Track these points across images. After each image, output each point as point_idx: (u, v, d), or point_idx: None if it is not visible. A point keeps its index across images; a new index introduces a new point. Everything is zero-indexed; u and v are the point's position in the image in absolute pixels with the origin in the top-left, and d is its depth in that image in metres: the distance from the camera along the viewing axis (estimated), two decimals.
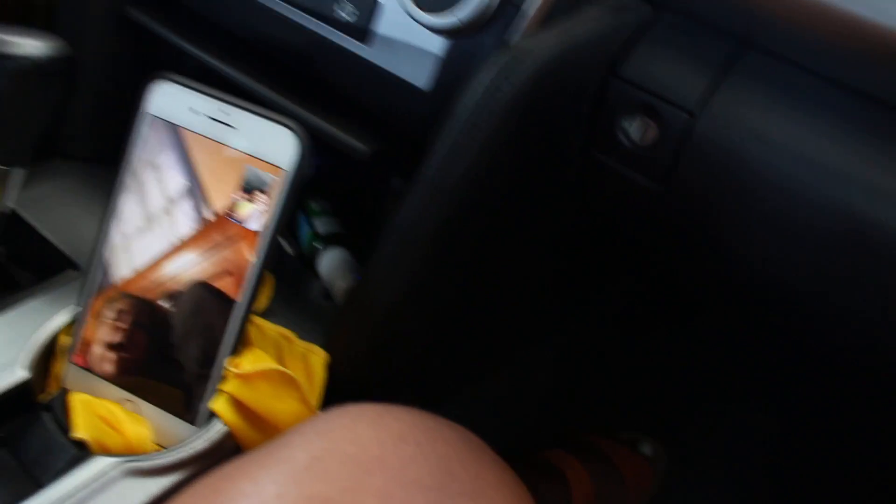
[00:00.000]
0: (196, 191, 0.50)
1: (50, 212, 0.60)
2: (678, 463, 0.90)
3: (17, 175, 0.54)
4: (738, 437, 0.94)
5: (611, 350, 0.95)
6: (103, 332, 0.51)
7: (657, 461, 0.88)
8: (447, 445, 0.36)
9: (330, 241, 0.63)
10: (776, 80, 0.47)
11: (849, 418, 0.93)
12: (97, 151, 0.66)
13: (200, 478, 0.35)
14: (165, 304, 0.50)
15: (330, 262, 0.60)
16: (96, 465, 0.45)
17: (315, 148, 0.56)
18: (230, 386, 0.48)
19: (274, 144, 0.48)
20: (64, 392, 0.50)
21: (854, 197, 0.43)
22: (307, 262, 0.63)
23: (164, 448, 0.48)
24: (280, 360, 0.51)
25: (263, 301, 0.55)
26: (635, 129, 0.49)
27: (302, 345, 0.52)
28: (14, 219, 0.58)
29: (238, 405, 0.48)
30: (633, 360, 0.96)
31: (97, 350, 0.51)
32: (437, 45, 0.50)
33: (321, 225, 0.63)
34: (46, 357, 0.52)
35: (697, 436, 0.93)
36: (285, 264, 0.64)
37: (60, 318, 0.52)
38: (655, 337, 0.98)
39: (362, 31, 0.52)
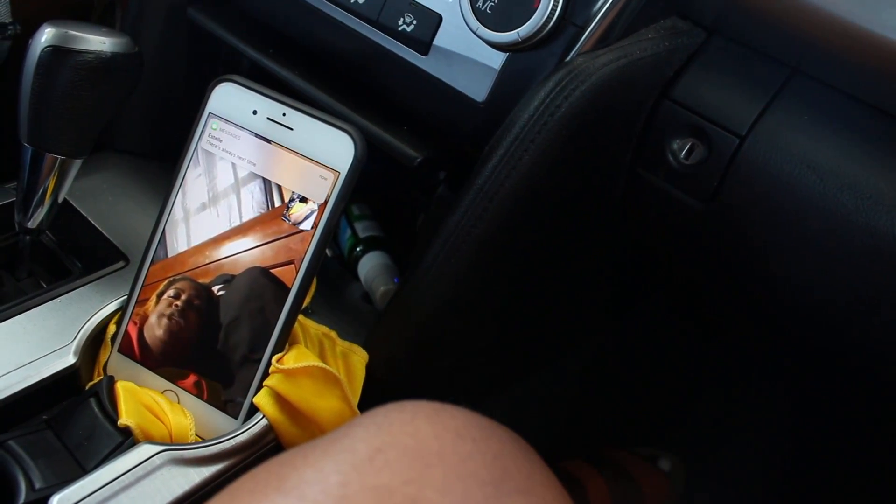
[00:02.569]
0: (251, 189, 0.51)
1: (100, 203, 0.62)
2: (696, 479, 0.91)
3: (75, 166, 0.55)
4: (756, 455, 0.94)
5: (634, 366, 0.95)
6: (151, 322, 0.52)
7: (675, 477, 0.88)
8: (501, 444, 0.37)
9: (370, 244, 0.64)
10: (823, 106, 0.48)
11: (872, 443, 0.93)
12: (148, 146, 0.68)
13: (260, 465, 0.36)
14: (217, 289, 0.51)
15: (370, 266, 0.61)
16: (141, 452, 0.46)
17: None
18: (273, 381, 0.49)
19: (331, 147, 0.49)
20: (110, 379, 0.51)
21: None
22: (348, 265, 0.64)
23: (205, 439, 0.49)
24: (322, 359, 0.52)
25: (306, 300, 0.56)
26: (683, 149, 0.50)
27: (343, 344, 0.53)
28: (66, 208, 0.59)
29: (280, 400, 0.49)
30: (655, 376, 0.96)
31: (143, 338, 0.52)
32: (494, 59, 0.51)
33: (362, 229, 0.64)
34: (95, 345, 0.53)
35: (716, 452, 0.94)
36: (326, 266, 0.65)
37: (110, 307, 0.53)
38: (678, 354, 0.98)
39: (423, 44, 0.53)
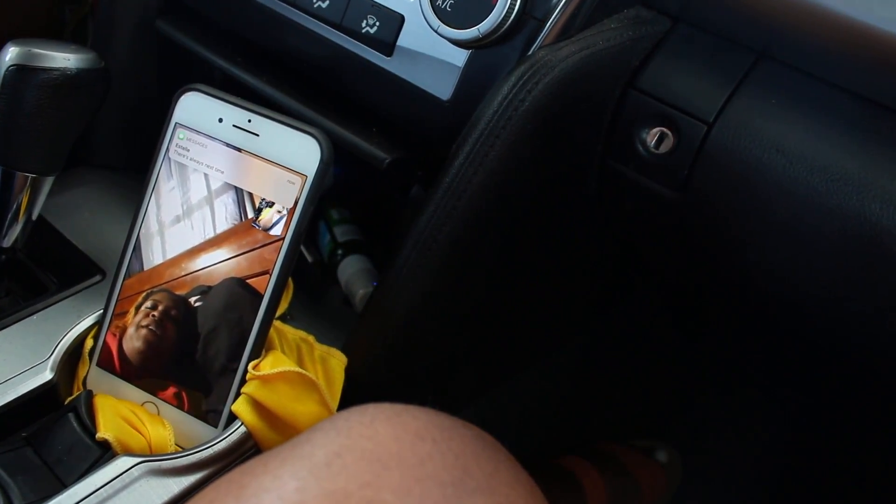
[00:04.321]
0: (219, 197, 0.51)
1: (76, 218, 0.62)
2: (693, 471, 0.90)
3: (47, 183, 0.55)
4: (753, 445, 0.94)
5: (627, 359, 0.95)
6: (129, 334, 0.52)
7: (672, 469, 0.88)
8: (463, 443, 0.37)
9: (350, 248, 0.63)
10: (791, 90, 0.48)
11: (867, 432, 0.92)
12: (123, 160, 0.68)
13: (223, 474, 0.36)
14: (193, 300, 0.51)
15: (349, 269, 0.61)
16: (118, 465, 0.46)
17: (337, 157, 0.58)
18: (251, 388, 0.49)
19: (297, 152, 0.49)
20: (89, 393, 0.50)
21: (869, 205, 0.44)
22: (327, 269, 0.64)
23: (185, 449, 0.49)
24: (300, 364, 0.52)
25: (283, 305, 0.55)
26: (653, 139, 0.50)
27: (321, 348, 0.53)
28: (41, 224, 0.59)
29: (258, 407, 0.49)
30: (649, 368, 0.96)
31: (122, 351, 0.52)
32: (457, 57, 0.51)
33: (341, 233, 0.64)
34: (73, 360, 0.53)
35: (713, 444, 0.93)
36: (306, 272, 0.65)
37: (86, 322, 0.53)
38: (671, 347, 0.98)
39: (386, 45, 0.53)
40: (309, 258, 0.65)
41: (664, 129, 0.50)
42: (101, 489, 0.45)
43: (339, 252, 0.64)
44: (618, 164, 0.52)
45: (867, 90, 0.46)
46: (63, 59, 0.52)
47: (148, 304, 0.52)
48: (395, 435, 0.36)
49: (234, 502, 0.33)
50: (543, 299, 0.65)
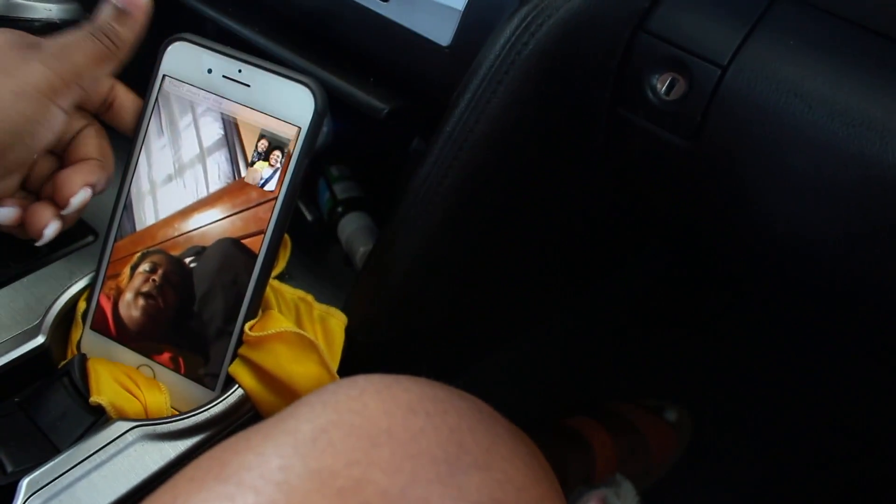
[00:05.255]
0: (212, 151, 0.49)
1: None
2: (703, 429, 0.89)
3: None
4: (763, 403, 0.93)
5: (636, 317, 0.93)
6: (127, 298, 0.50)
7: (682, 428, 0.87)
8: (458, 416, 0.35)
9: (350, 205, 0.62)
10: (810, 30, 0.45)
11: (872, 389, 0.91)
12: None
13: (207, 450, 0.34)
14: (188, 261, 0.49)
15: (350, 227, 0.59)
16: (113, 429, 0.45)
17: (334, 111, 0.55)
18: (248, 349, 0.47)
19: (290, 102, 0.47)
20: (82, 357, 0.49)
21: (893, 150, 0.41)
22: (328, 227, 0.62)
23: (181, 412, 0.47)
24: (299, 324, 0.50)
25: (281, 264, 0.54)
26: (663, 84, 0.48)
27: (321, 308, 0.51)
28: None
29: (256, 369, 0.47)
30: (659, 327, 0.95)
31: (116, 313, 0.50)
32: (457, 0, 0.48)
33: (341, 190, 0.62)
34: (66, 323, 0.52)
35: (722, 403, 0.92)
36: (305, 230, 0.63)
37: (79, 284, 0.52)
38: (681, 304, 0.96)
39: None
40: (308, 216, 0.63)
41: (675, 74, 0.47)
42: (96, 454, 0.44)
43: (340, 209, 0.62)
44: (627, 111, 0.49)
45: (891, 28, 0.44)
46: (45, 9, 0.50)
47: (145, 266, 0.50)
48: (386, 409, 0.34)
49: (215, 481, 0.31)
50: (548, 255, 0.63)
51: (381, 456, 0.32)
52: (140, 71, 0.58)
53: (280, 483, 0.31)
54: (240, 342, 0.48)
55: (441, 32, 0.49)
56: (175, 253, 0.49)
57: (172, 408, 0.49)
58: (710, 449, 0.89)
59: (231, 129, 0.49)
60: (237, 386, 0.48)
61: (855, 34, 0.44)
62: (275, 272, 0.53)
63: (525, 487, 0.34)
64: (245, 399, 0.47)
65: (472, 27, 0.48)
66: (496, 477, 0.33)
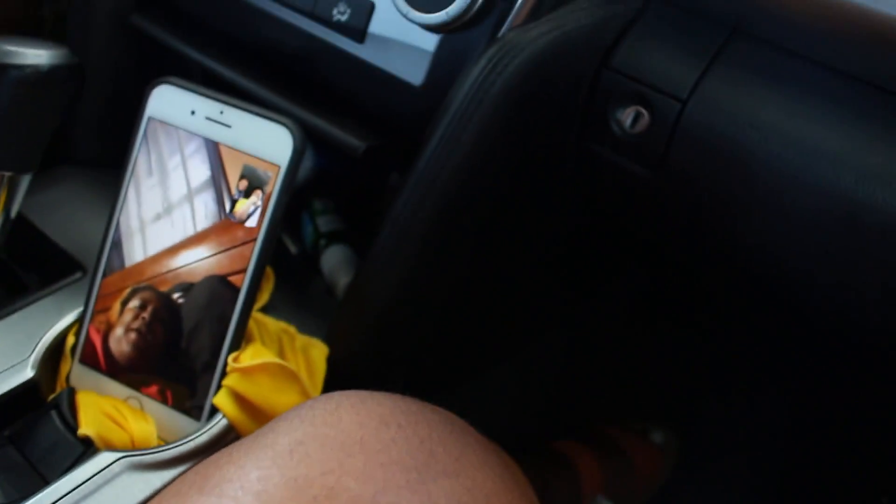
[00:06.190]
0: (196, 191, 0.51)
1: (57, 215, 0.62)
2: (689, 451, 0.90)
3: (25, 181, 0.55)
4: (748, 424, 0.94)
5: (621, 340, 0.95)
6: (117, 333, 0.52)
7: (668, 449, 0.88)
8: (429, 428, 0.37)
9: (333, 238, 0.63)
10: (766, 65, 0.47)
11: (858, 407, 0.92)
12: (104, 156, 0.67)
13: (191, 468, 0.36)
14: (176, 297, 0.51)
15: (332, 259, 0.61)
16: (100, 460, 0.46)
17: (317, 147, 0.57)
18: (231, 380, 0.49)
19: (270, 142, 0.49)
20: (71, 390, 0.50)
21: (843, 178, 0.43)
22: (311, 260, 0.64)
23: (167, 443, 0.49)
24: (281, 355, 0.51)
25: (265, 297, 0.55)
26: (627, 118, 0.50)
27: (303, 339, 0.53)
28: (21, 222, 0.59)
29: (239, 399, 0.49)
30: (644, 349, 0.96)
31: (106, 347, 0.52)
32: (428, 41, 0.50)
33: (324, 223, 0.64)
34: (54, 357, 0.53)
35: (708, 424, 0.93)
36: (289, 263, 0.65)
37: (67, 319, 0.53)
38: (665, 326, 0.98)
39: (358, 31, 0.52)
40: (292, 249, 0.65)
41: (639, 108, 0.49)
42: (83, 485, 0.45)
43: (323, 242, 0.63)
44: (594, 144, 0.51)
45: (844, 65, 0.46)
46: (35, 55, 0.51)
47: (135, 302, 0.52)
48: (360, 421, 0.36)
49: (198, 494, 0.33)
50: (526, 283, 0.65)
51: (355, 465, 0.34)
52: (128, 113, 0.60)
53: (259, 493, 0.32)
54: (224, 373, 0.49)
55: (414, 73, 0.51)
56: (163, 289, 0.51)
57: (160, 438, 0.50)
58: (697, 470, 0.90)
59: (216, 169, 0.50)
60: (221, 416, 0.49)
61: (808, 68, 0.47)
62: (258, 305, 0.55)
63: (494, 494, 0.36)
64: (229, 429, 0.49)
65: (443, 67, 0.50)
66: (465, 484, 0.35)
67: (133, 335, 0.51)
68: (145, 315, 0.51)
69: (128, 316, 0.52)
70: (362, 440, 0.35)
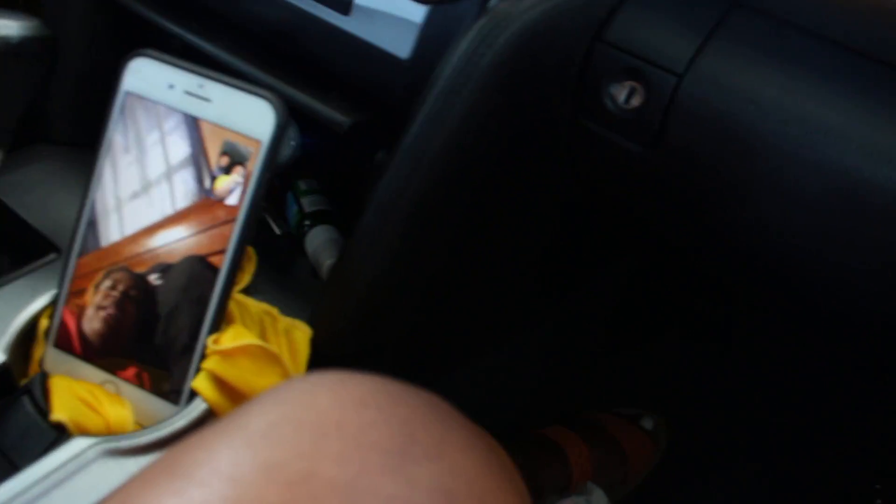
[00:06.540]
0: (175, 167, 0.49)
1: (31, 196, 0.60)
2: (679, 438, 0.89)
3: None
4: (739, 412, 0.93)
5: (612, 326, 0.94)
6: (88, 314, 0.50)
7: (658, 436, 0.87)
8: (410, 409, 0.35)
9: (318, 219, 0.62)
10: (765, 38, 0.46)
11: (851, 396, 0.92)
12: (80, 135, 0.65)
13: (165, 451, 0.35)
14: (152, 279, 0.49)
15: (316, 240, 0.60)
16: (73, 447, 0.44)
17: (301, 125, 0.56)
18: (211, 363, 0.47)
19: (251, 117, 0.47)
20: (43, 375, 0.49)
21: (847, 155, 0.42)
22: (295, 241, 0.62)
23: (143, 428, 0.47)
24: (263, 337, 0.50)
25: (246, 278, 0.54)
26: (622, 93, 0.48)
27: (286, 321, 0.51)
28: None
29: (219, 382, 0.47)
30: (635, 336, 0.95)
31: (80, 330, 0.50)
32: (416, 13, 0.49)
33: (309, 203, 0.62)
34: (27, 341, 0.51)
35: (699, 411, 0.92)
36: (274, 244, 0.63)
37: (41, 301, 0.51)
38: (657, 313, 0.97)
39: (342, 2, 0.51)
40: (277, 230, 0.64)
41: (634, 83, 0.48)
42: (55, 472, 0.43)
43: (307, 223, 0.62)
44: (587, 120, 0.50)
45: (847, 38, 0.45)
46: (4, 26, 0.49)
47: (107, 283, 0.50)
48: (338, 402, 0.34)
49: (168, 478, 0.32)
50: (517, 265, 0.63)
51: (331, 448, 0.32)
52: (104, 90, 0.58)
53: (230, 477, 0.31)
54: (203, 356, 0.48)
55: (401, 45, 0.49)
56: (140, 270, 0.49)
57: (137, 424, 0.48)
58: (687, 457, 0.89)
59: (196, 145, 0.49)
60: (201, 400, 0.47)
61: (810, 42, 0.45)
62: (240, 286, 0.53)
63: (477, 478, 0.34)
64: (209, 413, 0.47)
65: (431, 40, 0.48)
66: (447, 467, 0.33)
67: (107, 317, 0.50)
68: (115, 294, 0.49)
69: (101, 297, 0.50)
70: (339, 422, 0.33)
